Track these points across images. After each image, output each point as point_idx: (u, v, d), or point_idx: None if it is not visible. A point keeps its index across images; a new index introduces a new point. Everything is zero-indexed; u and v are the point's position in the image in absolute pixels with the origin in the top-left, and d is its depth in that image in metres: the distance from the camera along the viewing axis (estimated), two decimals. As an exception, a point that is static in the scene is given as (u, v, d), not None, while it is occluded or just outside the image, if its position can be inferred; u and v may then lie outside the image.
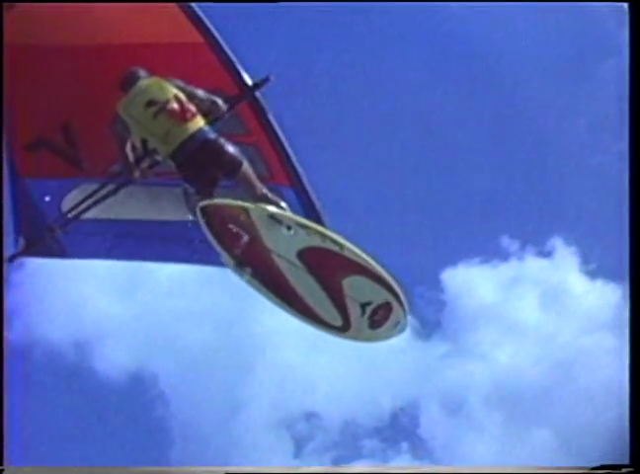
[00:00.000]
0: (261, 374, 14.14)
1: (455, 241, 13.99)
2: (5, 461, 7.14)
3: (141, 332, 13.10)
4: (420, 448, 14.14)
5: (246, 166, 6.92)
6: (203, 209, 6.73)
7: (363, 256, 6.87)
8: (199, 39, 7.24)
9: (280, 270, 6.82)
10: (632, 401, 7.28)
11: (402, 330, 7.14)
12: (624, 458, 7.15)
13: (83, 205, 7.60)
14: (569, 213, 15.11)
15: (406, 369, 13.95)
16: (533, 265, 15.29)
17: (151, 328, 12.92)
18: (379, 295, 6.96)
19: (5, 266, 7.34)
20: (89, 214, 7.65)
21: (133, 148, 7.07)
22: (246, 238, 6.72)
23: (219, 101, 7.12)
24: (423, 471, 7.90)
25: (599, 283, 15.28)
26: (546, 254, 15.51)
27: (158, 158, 7.02)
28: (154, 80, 7.02)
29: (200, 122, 6.87)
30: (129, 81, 7.07)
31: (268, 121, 7.38)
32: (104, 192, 7.49)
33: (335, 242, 6.78)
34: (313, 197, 7.50)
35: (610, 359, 13.69)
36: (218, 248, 6.77)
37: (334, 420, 15.30)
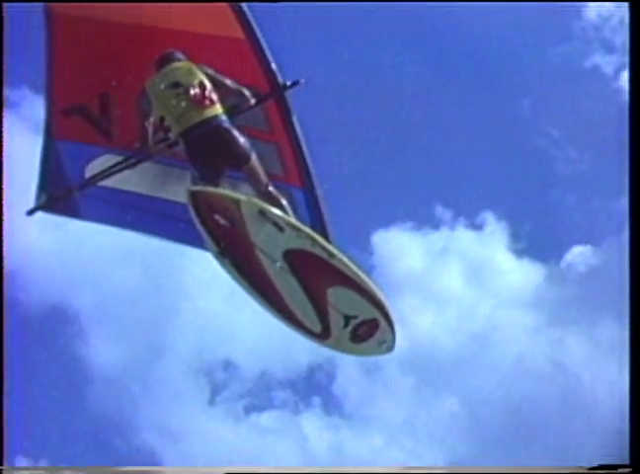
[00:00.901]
0: (184, 320, 14.03)
1: (390, 205, 13.89)
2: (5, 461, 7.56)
3: (66, 266, 12.90)
4: (331, 404, 14.27)
5: (254, 160, 7.10)
6: (194, 194, 6.79)
7: (353, 268, 6.94)
8: (240, 34, 7.52)
9: (262, 266, 6.88)
10: (632, 401, 7.43)
11: (388, 349, 7.19)
12: (624, 458, 7.36)
13: (103, 173, 7.93)
14: (503, 190, 15.37)
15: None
16: (463, 236, 15.41)
17: (77, 262, 12.70)
18: (366, 311, 7.02)
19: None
20: (107, 182, 7.98)
21: (152, 124, 7.33)
22: (231, 229, 6.78)
23: (247, 93, 7.36)
24: (423, 471, 7.93)
25: (524, 262, 15.64)
26: (477, 227, 15.69)
27: (170, 136, 7.28)
28: (185, 64, 7.28)
29: (217, 110, 7.06)
30: (164, 61, 7.34)
31: (291, 123, 7.63)
32: (124, 164, 7.82)
33: (324, 249, 6.87)
34: (321, 201, 7.70)
35: (525, 337, 14.83)
36: (203, 233, 6.84)
37: (250, 370, 15.31)
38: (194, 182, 7.24)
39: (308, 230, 6.92)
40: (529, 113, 16.26)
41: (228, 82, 7.32)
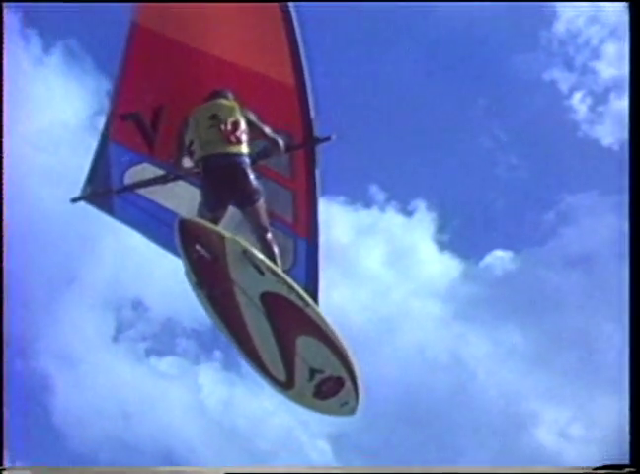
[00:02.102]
0: (101, 253, 14.10)
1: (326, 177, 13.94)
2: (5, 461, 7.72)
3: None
4: (231, 360, 14.46)
5: (260, 204, 7.38)
6: (183, 223, 7.06)
7: (327, 322, 7.02)
8: (291, 81, 7.81)
9: (237, 303, 7.04)
10: (632, 401, 7.47)
11: (350, 412, 7.19)
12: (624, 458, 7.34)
13: (139, 183, 8.33)
14: (440, 183, 15.84)
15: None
16: (392, 219, 15.79)
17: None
18: (333, 368, 7.05)
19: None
20: (141, 190, 8.37)
21: (182, 146, 7.70)
22: (213, 263, 6.96)
23: (281, 143, 7.65)
24: (422, 471, 7.83)
25: (445, 255, 16.21)
26: (407, 213, 16.11)
27: (191, 160, 7.60)
28: (230, 103, 7.66)
29: (241, 149, 7.39)
30: (214, 95, 7.76)
31: (313, 175, 7.84)
32: (159, 177, 8.20)
33: (301, 298, 6.98)
34: (319, 255, 7.81)
35: (431, 327, 15.34)
36: (185, 263, 7.05)
37: (158, 313, 15.53)
38: (199, 207, 7.50)
39: (287, 278, 7.05)
40: (482, 113, 16.77)
41: (266, 130, 7.63)
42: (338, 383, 7.09)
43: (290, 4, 7.79)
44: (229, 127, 7.43)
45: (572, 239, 16.77)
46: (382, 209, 15.70)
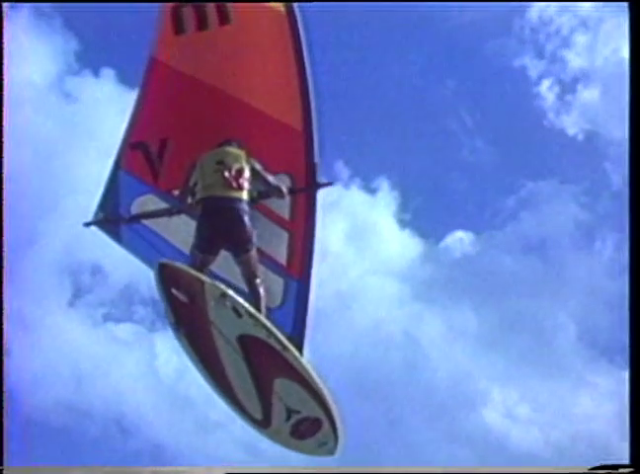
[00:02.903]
0: (61, 215, 13.86)
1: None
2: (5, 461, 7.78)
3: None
4: None
5: (252, 253, 7.47)
6: (163, 266, 7.18)
7: (305, 365, 7.09)
8: (299, 127, 7.98)
9: (215, 344, 7.13)
10: (632, 401, 7.44)
11: (329, 452, 7.22)
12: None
13: (145, 214, 8.44)
14: (405, 163, 15.71)
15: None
16: (355, 196, 15.65)
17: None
18: (311, 409, 7.10)
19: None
20: (148, 221, 8.45)
21: (188, 186, 7.86)
22: (192, 305, 7.08)
23: (284, 190, 7.80)
24: (423, 471, 7.80)
25: (405, 234, 16.17)
26: (370, 190, 15.97)
27: (192, 199, 7.75)
28: (237, 151, 7.78)
29: (241, 195, 7.51)
30: (223, 143, 7.90)
31: (312, 219, 7.93)
32: (163, 210, 8.31)
33: (279, 342, 7.07)
34: (311, 298, 7.84)
35: (387, 306, 15.22)
36: (164, 303, 7.16)
37: (116, 279, 15.09)
38: (191, 247, 7.61)
39: (266, 321, 7.15)
40: (451, 95, 16.83)
41: (270, 178, 7.77)
42: (316, 424, 7.13)
43: (305, 51, 8.02)
44: (233, 173, 7.57)
45: (531, 225, 16.90)
46: (346, 186, 15.55)
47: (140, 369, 15.04)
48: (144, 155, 8.45)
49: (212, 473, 7.96)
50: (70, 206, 13.82)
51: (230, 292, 7.13)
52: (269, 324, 7.14)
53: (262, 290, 7.44)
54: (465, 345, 15.79)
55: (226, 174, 7.56)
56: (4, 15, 8.25)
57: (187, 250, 7.86)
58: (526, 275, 16.50)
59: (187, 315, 7.13)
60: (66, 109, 16.11)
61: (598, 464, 7.29)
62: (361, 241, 16.16)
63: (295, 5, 8.11)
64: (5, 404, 7.89)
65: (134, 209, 8.55)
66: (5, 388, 7.91)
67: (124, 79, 15.43)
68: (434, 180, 16.24)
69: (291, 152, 7.99)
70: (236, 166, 7.62)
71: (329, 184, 7.95)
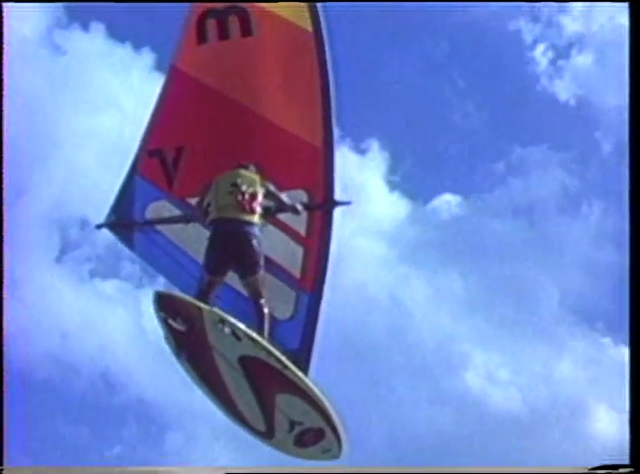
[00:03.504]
0: (51, 169, 13.95)
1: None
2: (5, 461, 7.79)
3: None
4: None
5: (259, 276, 7.58)
6: (161, 296, 7.28)
7: (305, 380, 7.24)
8: (319, 144, 8.10)
9: (216, 365, 7.26)
10: (632, 401, 7.42)
11: (333, 457, 7.35)
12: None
13: (160, 220, 8.54)
14: (395, 124, 15.94)
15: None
16: (345, 156, 14.90)
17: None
18: (313, 420, 7.24)
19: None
20: (161, 228, 8.56)
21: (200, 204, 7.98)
22: (191, 331, 7.21)
23: (299, 209, 7.93)
24: (422, 471, 7.89)
25: (394, 196, 16.28)
26: (360, 150, 16.12)
27: (205, 220, 7.85)
28: (252, 175, 7.87)
29: (253, 219, 7.62)
30: (240, 166, 7.96)
31: (328, 235, 8.04)
32: (178, 216, 8.43)
33: (279, 361, 7.19)
34: (322, 311, 7.95)
35: (374, 267, 15.29)
36: (163, 330, 7.28)
37: (104, 234, 14.60)
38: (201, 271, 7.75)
39: (265, 343, 7.27)
40: (444, 58, 17.00)
41: (285, 199, 7.89)
42: (319, 434, 7.27)
43: (329, 67, 8.15)
44: (247, 197, 7.67)
45: (519, 190, 17.03)
46: (336, 146, 15.82)
47: (126, 326, 14.95)
48: (160, 162, 8.55)
49: (213, 473, 8.02)
50: (59, 160, 14.02)
51: (228, 317, 7.24)
52: (268, 345, 7.26)
53: (266, 310, 7.54)
54: (450, 308, 15.97)
55: (239, 197, 7.67)
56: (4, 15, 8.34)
57: (200, 258, 7.94)
58: (513, 239, 16.63)
59: (187, 341, 7.26)
60: (55, 62, 16.10)
61: (598, 464, 7.34)
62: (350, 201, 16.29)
63: (322, 25, 8.23)
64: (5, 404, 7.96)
65: (148, 215, 8.64)
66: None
67: (114, 33, 15.77)
68: (423, 142, 16.30)
69: (310, 169, 8.10)
70: (250, 190, 7.72)
71: (347, 203, 8.07)
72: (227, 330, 7.14)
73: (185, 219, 8.35)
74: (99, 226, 8.87)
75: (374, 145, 16.37)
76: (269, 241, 7.93)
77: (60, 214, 15.12)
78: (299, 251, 8.05)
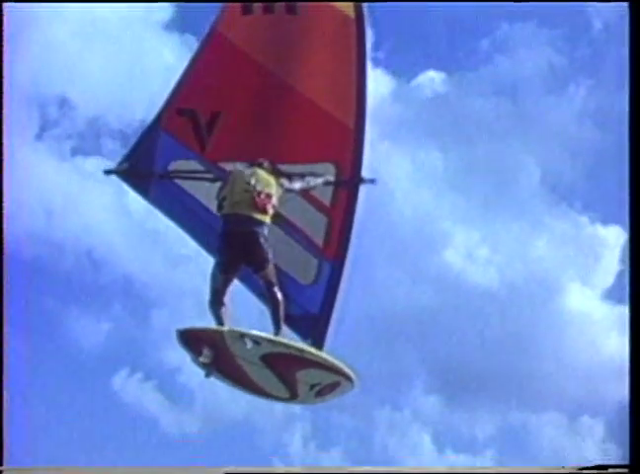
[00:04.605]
0: (26, 48, 12.99)
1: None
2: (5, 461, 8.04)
3: None
4: None
5: (270, 268, 8.08)
6: (183, 333, 7.89)
7: (323, 355, 7.99)
8: (351, 124, 8.57)
9: (242, 369, 7.90)
10: (632, 401, 7.57)
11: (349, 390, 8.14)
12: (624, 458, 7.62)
13: (186, 174, 8.89)
14: None
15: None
16: None
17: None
18: (329, 378, 7.98)
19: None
20: (182, 182, 8.92)
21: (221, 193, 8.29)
22: (216, 350, 7.80)
23: (320, 182, 8.48)
24: (422, 471, 8.35)
25: (377, 72, 15.67)
26: None
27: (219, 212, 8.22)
28: (267, 175, 8.24)
29: (264, 218, 8.07)
30: (257, 163, 8.35)
31: (353, 208, 8.57)
32: (203, 175, 8.78)
33: (298, 349, 7.90)
34: (344, 277, 8.51)
35: None
36: (193, 359, 7.91)
37: (84, 111, 15.46)
38: (213, 269, 8.15)
39: (283, 340, 7.92)
40: None
41: (299, 186, 8.37)
42: (335, 385, 8.02)
43: (368, 49, 8.65)
44: (262, 196, 8.08)
45: (504, 67, 17.44)
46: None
47: (110, 204, 15.11)
48: (191, 122, 8.85)
49: (212, 473, 8.41)
50: (37, 38, 13.85)
51: (247, 331, 7.78)
52: (286, 340, 7.91)
53: (280, 296, 8.06)
54: (431, 185, 16.36)
55: (255, 195, 8.06)
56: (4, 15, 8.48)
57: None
58: (496, 117, 16.94)
59: (214, 362, 7.86)
60: None
61: (591, 464, 7.84)
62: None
63: (365, 10, 8.70)
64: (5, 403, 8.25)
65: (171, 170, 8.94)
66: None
67: None
68: (408, 18, 15.98)
69: (339, 144, 8.57)
70: (266, 190, 8.12)
71: (372, 181, 8.58)
72: (249, 344, 7.73)
73: (213, 180, 8.62)
74: (107, 172, 9.10)
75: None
76: (294, 209, 8.49)
77: (38, 92, 15.11)
78: (324, 220, 8.57)
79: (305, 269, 8.52)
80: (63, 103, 15.63)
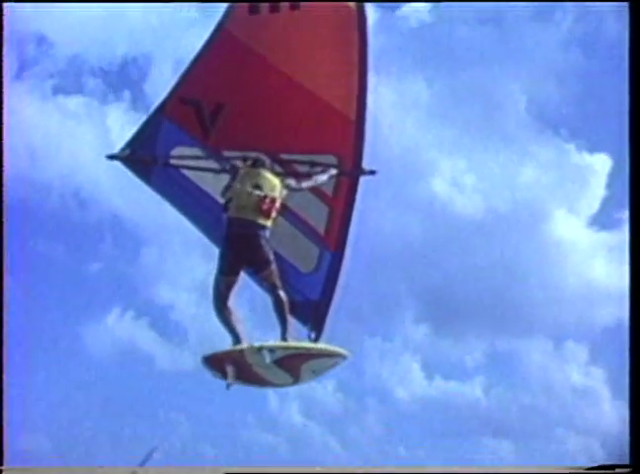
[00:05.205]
0: None
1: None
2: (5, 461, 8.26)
3: None
4: (140, 101, 15.78)
5: (272, 269, 8.31)
6: (208, 359, 8.16)
7: (330, 348, 8.35)
8: (352, 116, 8.77)
9: (256, 373, 8.20)
10: (632, 401, 7.76)
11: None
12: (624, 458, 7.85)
13: (189, 161, 9.05)
14: None
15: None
16: None
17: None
18: (329, 362, 8.40)
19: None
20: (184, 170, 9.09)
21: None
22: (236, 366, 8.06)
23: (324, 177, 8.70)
24: (423, 471, 8.43)
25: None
26: None
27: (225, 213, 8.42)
28: (273, 178, 8.47)
29: (267, 223, 8.32)
30: (260, 163, 8.57)
31: (353, 199, 8.82)
32: (207, 164, 8.97)
33: (305, 348, 8.28)
34: (344, 265, 8.76)
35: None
36: (212, 370, 8.19)
37: (64, 50, 15.70)
38: (216, 273, 8.37)
39: (293, 344, 8.22)
40: None
41: (305, 185, 8.61)
42: (332, 365, 8.43)
43: (370, 44, 8.78)
44: (267, 200, 8.30)
45: None
46: None
47: (94, 142, 15.28)
48: (196, 111, 9.01)
49: (212, 473, 8.59)
50: None
51: (264, 344, 8.06)
52: (295, 343, 8.22)
53: (284, 298, 8.29)
54: (416, 115, 16.65)
55: (260, 200, 8.28)
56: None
57: (218, 197, 8.61)
58: (481, 45, 17.11)
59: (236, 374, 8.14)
60: None
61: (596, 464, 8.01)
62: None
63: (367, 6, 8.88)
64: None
65: (174, 157, 9.09)
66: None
67: None
68: None
69: (341, 137, 8.79)
70: (272, 194, 8.34)
71: (373, 172, 8.79)
72: (267, 358, 8.00)
73: (218, 171, 8.85)
74: (110, 157, 9.19)
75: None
76: (298, 199, 8.70)
77: (13, 30, 14.71)
78: (325, 209, 8.81)
79: (307, 257, 8.77)
80: (41, 41, 15.75)
